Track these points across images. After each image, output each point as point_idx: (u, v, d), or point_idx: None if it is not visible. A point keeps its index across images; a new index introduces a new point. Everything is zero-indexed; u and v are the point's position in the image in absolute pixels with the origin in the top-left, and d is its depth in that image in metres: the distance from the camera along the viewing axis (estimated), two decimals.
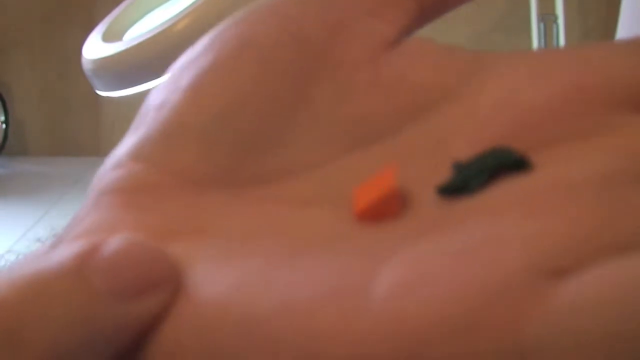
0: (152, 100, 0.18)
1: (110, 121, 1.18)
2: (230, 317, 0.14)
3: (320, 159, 0.17)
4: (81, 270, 0.14)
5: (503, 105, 0.16)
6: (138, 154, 0.17)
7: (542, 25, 0.89)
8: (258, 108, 0.17)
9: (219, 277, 0.15)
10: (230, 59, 0.17)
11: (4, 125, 1.20)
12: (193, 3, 0.61)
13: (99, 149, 1.19)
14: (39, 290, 0.14)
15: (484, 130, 0.16)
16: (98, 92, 0.68)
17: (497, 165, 0.15)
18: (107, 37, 0.68)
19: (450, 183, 0.15)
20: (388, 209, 0.16)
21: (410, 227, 0.15)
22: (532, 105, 0.16)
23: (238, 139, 0.17)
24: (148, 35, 0.60)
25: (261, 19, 0.18)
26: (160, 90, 0.18)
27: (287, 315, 0.14)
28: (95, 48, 0.67)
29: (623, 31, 0.92)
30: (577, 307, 0.12)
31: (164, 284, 0.15)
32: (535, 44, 0.89)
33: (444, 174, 0.16)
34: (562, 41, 0.86)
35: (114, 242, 0.15)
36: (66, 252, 0.14)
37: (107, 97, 0.67)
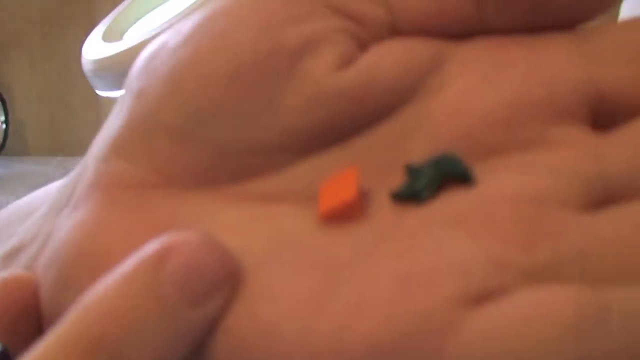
0: (131, 84, 0.19)
1: None
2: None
3: (288, 160, 0.18)
4: (154, 283, 0.15)
5: (455, 110, 0.18)
6: (121, 148, 0.18)
7: None
8: (231, 112, 0.18)
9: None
10: (208, 58, 0.18)
11: (4, 125, 1.20)
12: (193, 3, 0.61)
13: None
14: (125, 314, 0.15)
15: (437, 135, 0.17)
16: (98, 92, 0.68)
17: (446, 175, 0.17)
18: (107, 37, 0.68)
19: (403, 191, 0.17)
20: (349, 212, 0.17)
21: (366, 235, 0.17)
22: (480, 114, 0.17)
23: (212, 141, 0.18)
24: (148, 36, 0.60)
25: (245, 15, 0.18)
26: (138, 75, 0.19)
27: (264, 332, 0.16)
28: (95, 48, 0.67)
29: None
30: (487, 335, 0.14)
31: (229, 280, 0.16)
32: None
33: (399, 176, 0.18)
34: None
35: (180, 246, 0.16)
36: (132, 265, 0.15)
37: (107, 97, 0.67)
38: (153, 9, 0.72)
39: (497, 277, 0.15)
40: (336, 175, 0.18)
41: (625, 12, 0.89)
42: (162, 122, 0.18)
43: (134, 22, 0.71)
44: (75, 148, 1.23)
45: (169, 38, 0.19)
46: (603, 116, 0.17)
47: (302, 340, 0.15)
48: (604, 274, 0.15)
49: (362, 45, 0.18)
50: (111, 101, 0.84)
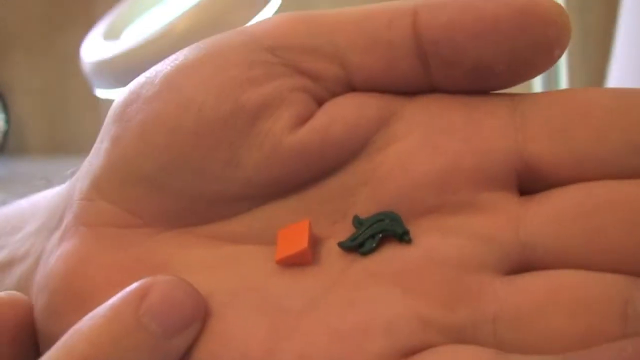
0: (108, 127, 0.21)
1: None
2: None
3: (250, 207, 0.21)
4: (137, 315, 0.17)
5: (397, 169, 0.20)
6: (101, 189, 0.20)
7: None
8: (197, 166, 0.20)
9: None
10: (176, 114, 0.20)
11: (4, 125, 1.20)
12: (193, 3, 0.61)
13: None
14: (110, 343, 0.17)
15: (380, 190, 0.20)
16: (96, 91, 0.67)
17: (386, 232, 0.19)
18: (106, 36, 0.68)
19: (348, 241, 0.20)
20: (302, 260, 0.20)
21: (316, 284, 0.19)
22: (419, 175, 0.20)
23: (181, 191, 0.20)
24: (147, 36, 0.60)
25: (209, 75, 0.20)
26: (115, 120, 0.21)
27: None
28: (94, 47, 0.67)
29: (623, 31, 0.92)
30: None
31: (199, 316, 0.18)
32: None
33: (348, 226, 0.20)
34: None
35: (159, 286, 0.18)
36: (117, 300, 0.18)
37: (106, 97, 0.67)
38: (151, 7, 0.72)
39: (421, 334, 0.17)
40: (291, 225, 0.20)
41: (626, 9, 0.88)
42: (137, 170, 0.20)
43: (133, 21, 0.71)
44: (75, 148, 1.23)
45: (143, 88, 0.20)
46: (531, 184, 0.19)
47: None
48: (512, 340, 0.17)
49: (319, 101, 0.20)
50: (111, 101, 0.84)
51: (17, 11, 1.21)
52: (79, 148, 1.27)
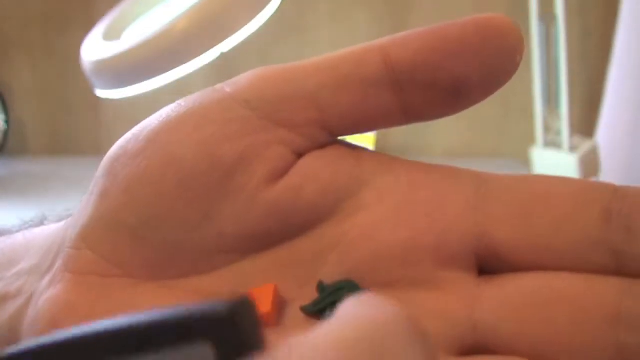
0: (98, 181, 0.22)
1: (111, 121, 1.18)
2: None
3: (225, 262, 0.21)
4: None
5: (364, 238, 0.21)
6: (88, 239, 0.22)
7: (542, 25, 0.89)
8: (177, 220, 0.21)
9: None
10: (159, 169, 0.21)
11: (4, 125, 1.20)
12: (193, 3, 0.61)
13: (99, 149, 1.19)
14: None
15: (348, 255, 0.21)
16: (97, 91, 0.67)
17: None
18: (107, 37, 0.68)
19: (310, 307, 0.21)
20: (266, 322, 0.21)
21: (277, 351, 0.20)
22: (383, 247, 0.20)
23: (162, 242, 0.21)
24: (147, 36, 0.60)
25: (189, 132, 0.21)
26: (104, 174, 0.22)
27: None
28: (94, 47, 0.67)
29: (623, 31, 0.92)
30: None
31: None
32: (535, 43, 0.89)
33: (313, 289, 0.21)
34: (562, 41, 0.86)
35: None
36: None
37: (106, 97, 0.67)
38: (151, 8, 0.72)
39: None
40: (259, 287, 0.21)
41: (626, 9, 0.88)
42: (121, 223, 0.21)
43: (133, 21, 0.71)
44: (75, 148, 1.23)
45: (129, 143, 0.22)
46: (491, 265, 0.20)
47: None
48: None
49: (297, 150, 0.21)
50: (111, 101, 0.84)
51: (17, 11, 1.21)
52: (79, 148, 1.26)
